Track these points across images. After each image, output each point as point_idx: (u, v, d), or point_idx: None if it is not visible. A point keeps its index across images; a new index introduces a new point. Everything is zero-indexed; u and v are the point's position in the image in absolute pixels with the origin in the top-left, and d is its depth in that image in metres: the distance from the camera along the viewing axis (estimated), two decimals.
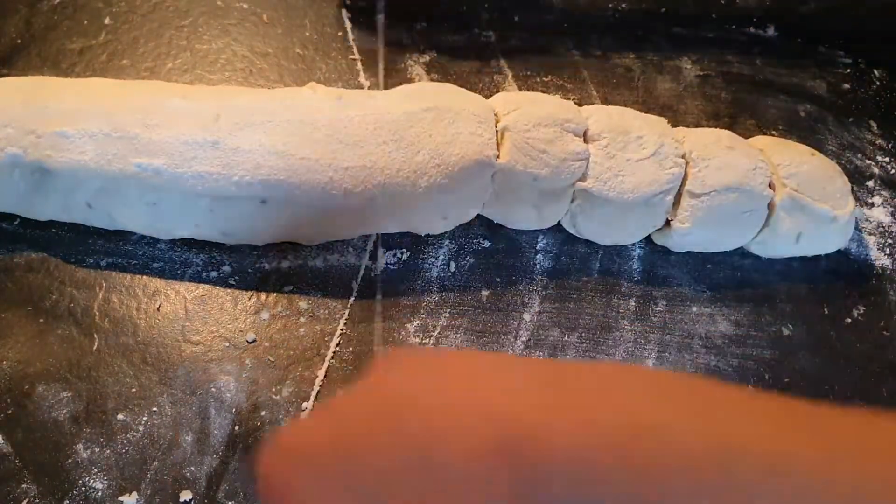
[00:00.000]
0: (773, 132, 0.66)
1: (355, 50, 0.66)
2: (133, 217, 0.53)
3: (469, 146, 0.53)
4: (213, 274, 0.55)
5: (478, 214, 0.57)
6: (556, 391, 0.30)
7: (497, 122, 0.55)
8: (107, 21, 0.65)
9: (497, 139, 0.54)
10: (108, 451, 0.49)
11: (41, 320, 0.53)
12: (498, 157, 0.54)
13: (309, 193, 0.51)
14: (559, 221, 0.58)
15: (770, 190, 0.56)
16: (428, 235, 0.58)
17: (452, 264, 0.57)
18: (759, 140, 0.61)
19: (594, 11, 0.70)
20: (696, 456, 0.27)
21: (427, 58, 0.66)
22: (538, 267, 0.58)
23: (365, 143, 0.52)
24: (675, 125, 0.65)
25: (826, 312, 0.58)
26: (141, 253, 0.56)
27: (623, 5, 0.71)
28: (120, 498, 0.48)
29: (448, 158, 0.53)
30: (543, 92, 0.65)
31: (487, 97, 0.58)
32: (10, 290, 0.54)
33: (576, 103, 0.60)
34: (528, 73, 0.66)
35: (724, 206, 0.55)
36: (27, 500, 0.47)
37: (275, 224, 0.53)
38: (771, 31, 0.71)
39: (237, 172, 0.51)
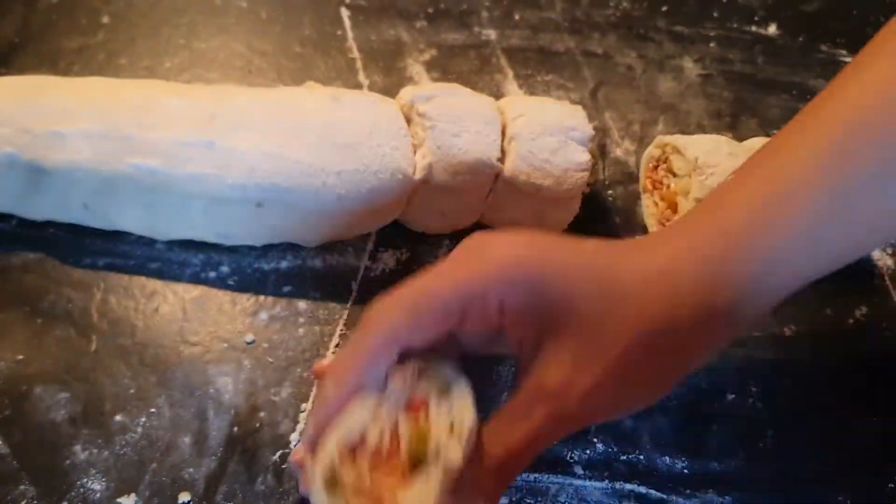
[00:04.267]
0: (776, 131, 0.65)
1: (354, 48, 0.66)
2: (129, 218, 0.53)
3: (473, 145, 0.53)
4: (212, 274, 0.55)
5: None
6: None
7: (503, 125, 0.54)
8: (104, 20, 0.65)
9: (503, 144, 0.54)
10: (107, 453, 0.49)
11: (38, 321, 0.53)
12: (500, 159, 0.53)
13: (303, 197, 0.51)
14: None
15: None
16: (427, 235, 0.57)
17: None
18: (756, 142, 0.60)
19: (595, 10, 0.70)
20: None
21: (427, 57, 0.66)
22: None
23: (360, 145, 0.52)
24: (676, 125, 0.65)
25: (828, 313, 0.58)
26: (138, 253, 0.55)
27: (624, 4, 0.71)
28: (118, 499, 0.47)
29: (450, 157, 0.52)
30: (544, 92, 0.65)
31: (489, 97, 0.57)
32: (7, 291, 0.54)
33: (575, 103, 0.60)
34: (528, 72, 0.66)
35: None
36: (25, 501, 0.47)
37: (271, 226, 0.53)
38: (773, 30, 0.71)
39: (231, 174, 0.50)
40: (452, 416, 0.38)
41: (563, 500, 0.49)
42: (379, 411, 0.37)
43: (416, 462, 0.36)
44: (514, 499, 0.49)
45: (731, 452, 0.52)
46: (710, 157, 0.56)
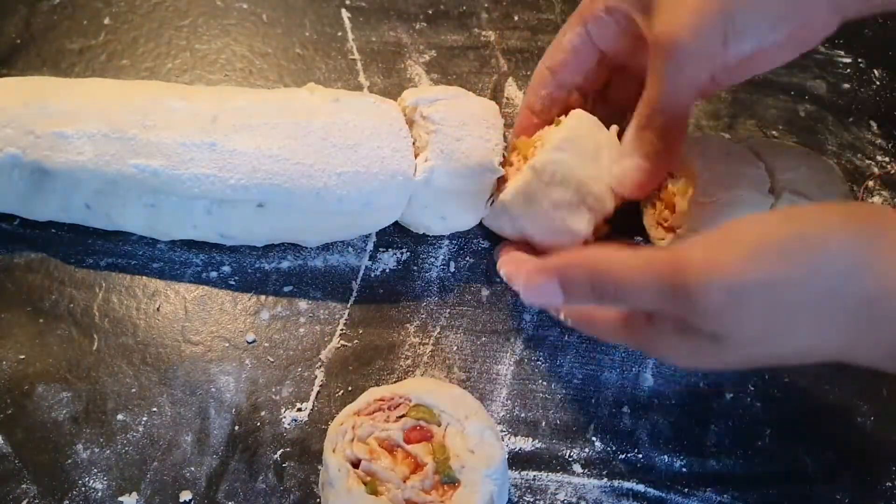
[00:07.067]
0: (773, 132, 0.66)
1: (355, 50, 0.66)
2: (131, 218, 0.53)
3: (475, 149, 0.53)
4: (213, 274, 0.55)
5: None
6: None
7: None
8: (106, 21, 0.65)
9: (508, 155, 0.54)
10: (108, 452, 0.49)
11: (41, 320, 0.53)
12: (502, 163, 0.54)
13: (304, 198, 0.51)
14: None
15: (771, 195, 0.56)
16: (427, 235, 0.58)
17: (452, 264, 0.57)
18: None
19: None
20: None
21: (427, 58, 0.66)
22: None
23: (360, 146, 0.52)
24: None
25: None
26: (140, 253, 0.56)
27: None
28: (119, 498, 0.48)
29: (453, 161, 0.53)
30: None
31: (488, 98, 0.57)
32: (10, 291, 0.54)
33: None
34: (528, 73, 0.66)
35: (730, 213, 0.55)
36: (27, 500, 0.47)
37: (272, 227, 0.53)
38: None
39: (233, 175, 0.51)
40: (464, 437, 0.45)
41: (562, 499, 0.49)
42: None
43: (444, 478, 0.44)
44: (513, 497, 0.49)
45: (729, 451, 0.52)
46: (708, 157, 0.56)
